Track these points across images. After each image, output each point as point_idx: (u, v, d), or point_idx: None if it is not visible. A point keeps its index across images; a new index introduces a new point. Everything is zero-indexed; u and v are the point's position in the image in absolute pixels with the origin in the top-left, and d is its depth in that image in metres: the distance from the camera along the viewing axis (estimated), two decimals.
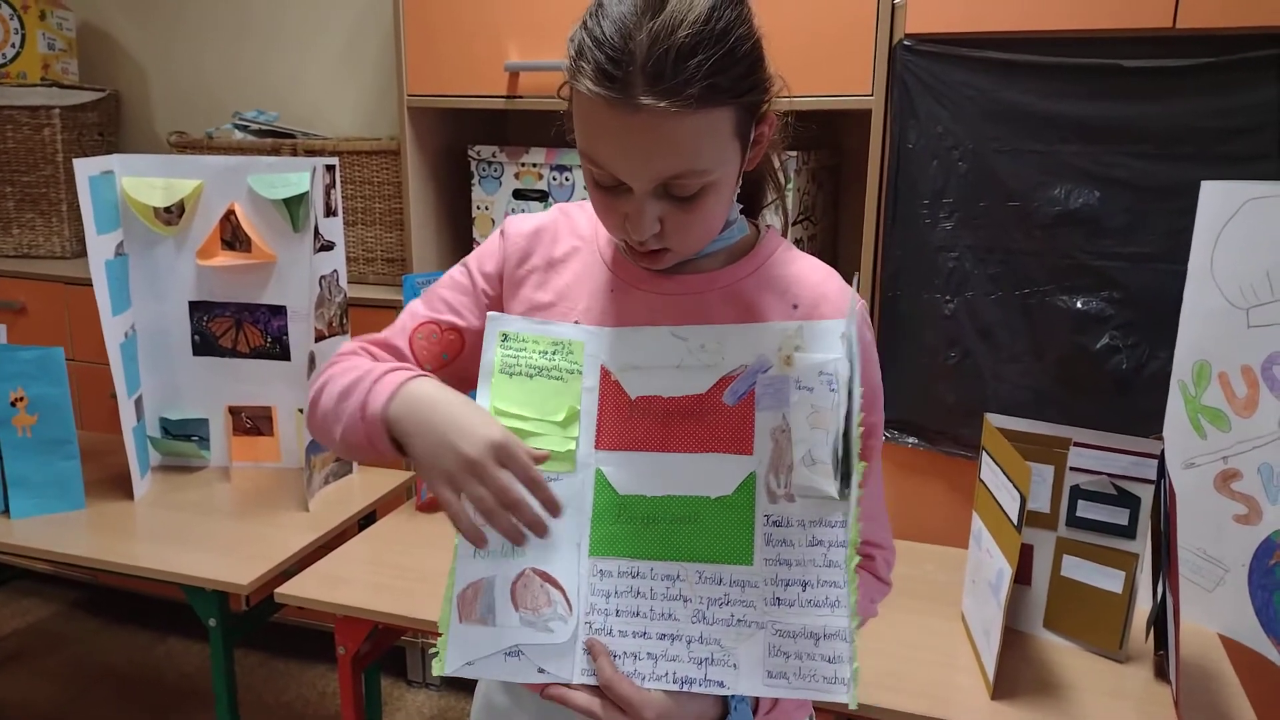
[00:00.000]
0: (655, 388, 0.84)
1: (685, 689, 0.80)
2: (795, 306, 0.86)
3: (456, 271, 0.98)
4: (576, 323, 0.89)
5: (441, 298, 0.96)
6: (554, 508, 0.80)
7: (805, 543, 0.80)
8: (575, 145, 0.81)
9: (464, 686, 2.28)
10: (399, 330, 0.95)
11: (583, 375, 0.86)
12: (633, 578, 0.82)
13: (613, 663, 0.81)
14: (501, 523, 0.78)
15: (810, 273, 0.89)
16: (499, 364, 0.87)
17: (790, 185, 0.96)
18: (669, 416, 0.84)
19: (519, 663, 0.82)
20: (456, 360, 0.95)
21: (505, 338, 0.88)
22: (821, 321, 0.82)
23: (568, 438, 0.85)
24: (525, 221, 0.95)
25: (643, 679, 0.80)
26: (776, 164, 0.93)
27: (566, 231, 0.94)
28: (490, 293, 0.95)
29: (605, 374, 0.86)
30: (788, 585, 0.79)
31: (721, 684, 0.79)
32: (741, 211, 0.91)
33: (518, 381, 0.86)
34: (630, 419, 0.84)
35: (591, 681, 0.81)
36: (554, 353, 0.87)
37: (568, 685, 0.81)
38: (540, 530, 0.80)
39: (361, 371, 0.87)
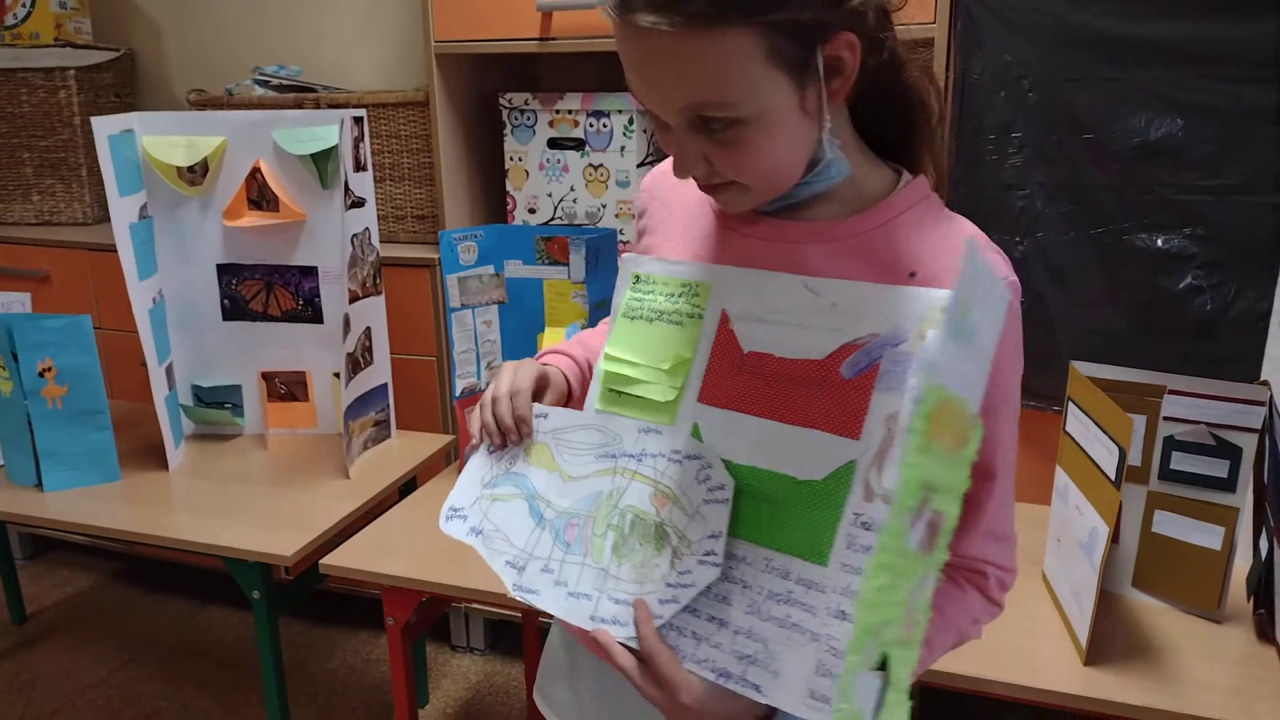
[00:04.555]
0: (770, 344, 0.74)
1: (722, 682, 0.72)
2: (912, 274, 0.73)
3: None
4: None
5: None
6: None
7: None
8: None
9: (510, 651, 2.24)
10: None
11: (703, 320, 0.77)
12: None
13: (657, 632, 0.74)
14: None
15: (949, 238, 0.75)
16: (624, 308, 0.82)
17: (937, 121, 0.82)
18: (778, 379, 0.74)
19: (577, 604, 0.78)
20: None
21: (637, 280, 0.82)
22: None
23: (672, 387, 0.77)
24: (656, 169, 0.89)
25: (683, 658, 0.73)
26: (925, 95, 0.79)
27: None
28: None
29: (724, 321, 0.77)
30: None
31: (758, 689, 0.71)
32: (891, 151, 0.79)
33: (638, 326, 0.81)
34: (738, 375, 0.75)
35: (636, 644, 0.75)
36: (680, 295, 0.79)
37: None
38: None
39: None
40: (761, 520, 0.73)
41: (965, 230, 0.77)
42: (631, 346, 0.81)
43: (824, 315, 0.72)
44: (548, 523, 0.83)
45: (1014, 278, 0.74)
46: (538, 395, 0.88)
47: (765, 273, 0.76)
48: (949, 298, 0.61)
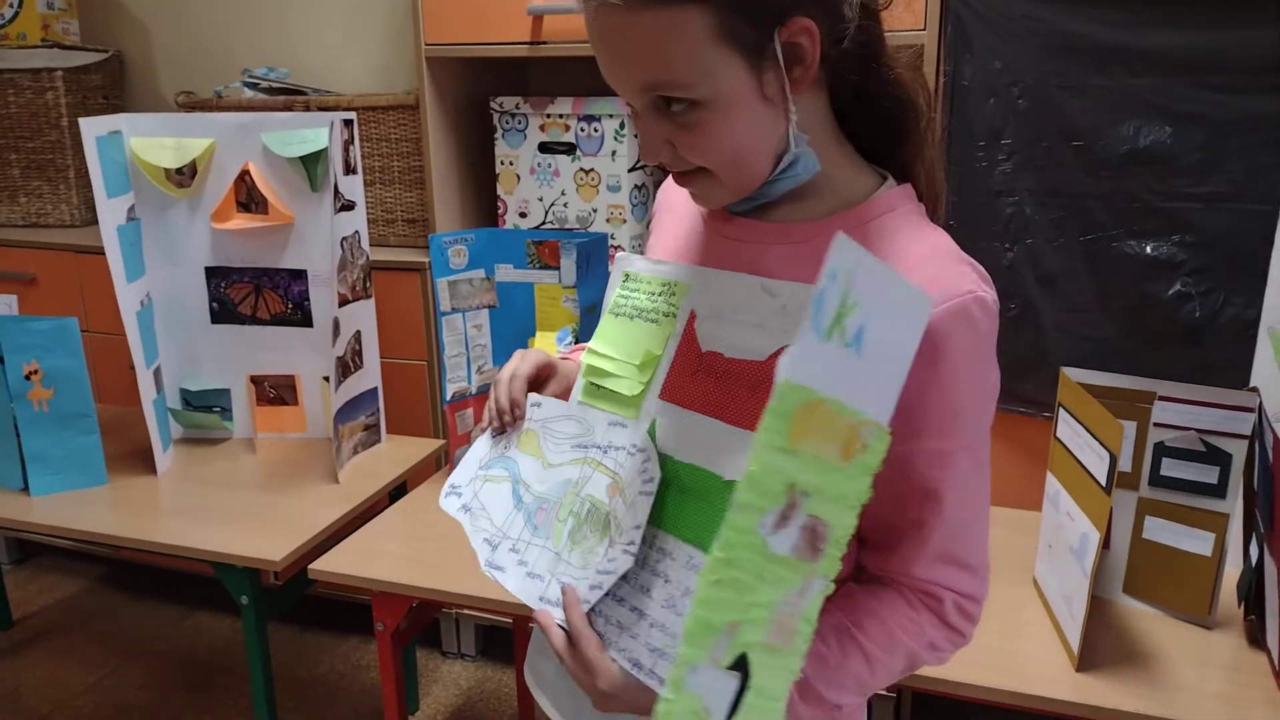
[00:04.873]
0: (724, 344, 0.76)
1: (634, 672, 0.73)
2: None
3: None
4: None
5: None
6: None
7: None
8: None
9: (501, 657, 2.23)
10: None
11: (675, 319, 0.79)
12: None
13: (583, 616, 0.76)
14: None
15: (911, 247, 0.72)
16: (612, 304, 0.85)
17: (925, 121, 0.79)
18: (726, 379, 0.75)
19: (532, 584, 0.81)
20: None
21: (627, 278, 0.84)
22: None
23: (639, 382, 0.80)
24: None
25: (608, 645, 0.75)
26: (913, 94, 0.76)
27: None
28: None
29: (691, 320, 0.79)
30: None
31: (662, 682, 0.71)
32: (883, 158, 0.78)
33: (620, 322, 0.83)
34: (695, 374, 0.77)
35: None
36: (659, 294, 0.81)
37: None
38: None
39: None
40: (690, 517, 0.74)
41: (938, 242, 0.74)
42: (612, 342, 0.83)
43: (777, 317, 0.73)
44: (524, 505, 0.86)
45: (982, 293, 0.70)
46: (541, 383, 0.91)
47: (731, 273, 0.77)
48: (811, 296, 0.59)
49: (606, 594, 0.76)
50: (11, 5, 2.38)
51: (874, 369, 0.61)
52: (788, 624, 0.63)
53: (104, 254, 1.61)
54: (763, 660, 0.62)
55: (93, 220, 2.38)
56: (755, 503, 0.59)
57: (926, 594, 0.76)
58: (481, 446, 0.92)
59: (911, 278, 0.68)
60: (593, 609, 0.77)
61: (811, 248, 0.74)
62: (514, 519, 0.86)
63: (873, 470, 0.62)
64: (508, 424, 0.89)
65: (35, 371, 1.62)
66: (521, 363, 0.90)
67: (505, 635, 2.21)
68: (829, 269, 0.58)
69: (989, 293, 0.71)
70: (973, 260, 0.73)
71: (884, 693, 1.69)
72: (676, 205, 0.88)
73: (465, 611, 2.13)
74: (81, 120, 1.57)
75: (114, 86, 2.54)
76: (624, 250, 1.86)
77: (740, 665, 0.62)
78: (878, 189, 0.76)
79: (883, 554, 0.76)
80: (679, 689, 0.59)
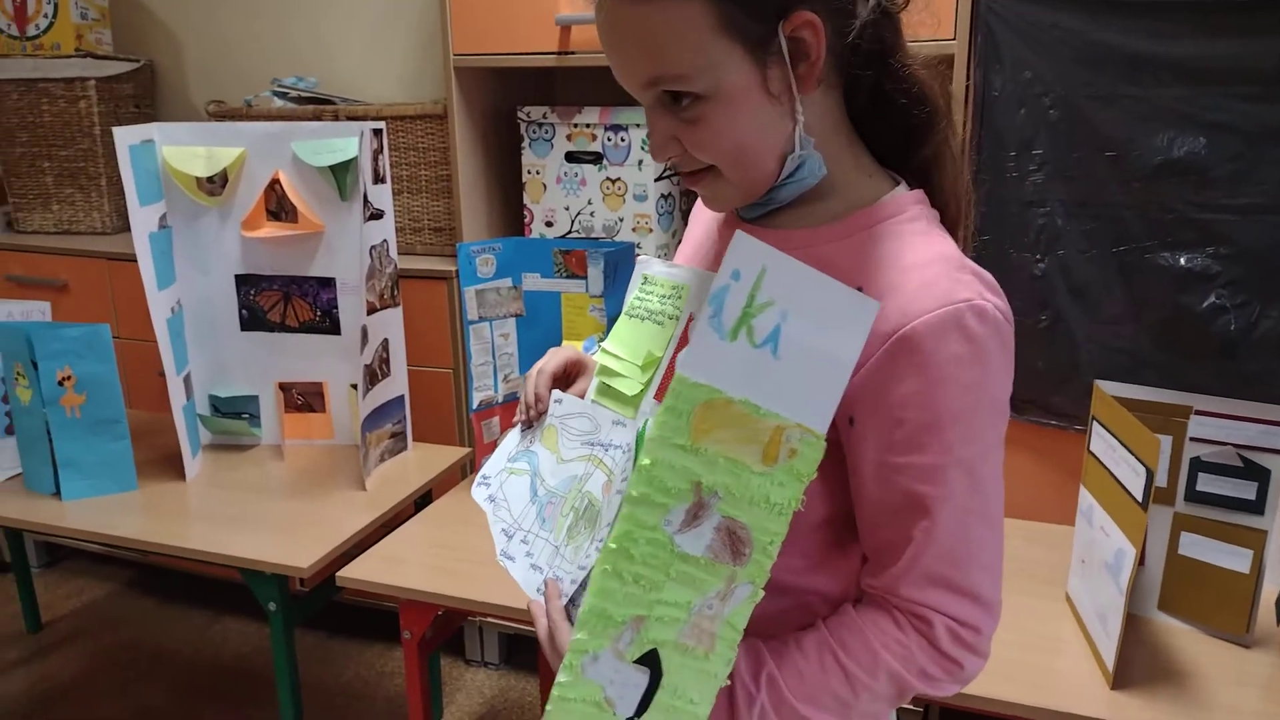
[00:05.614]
0: None
1: None
2: (859, 289, 0.68)
3: None
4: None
5: None
6: None
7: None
8: None
9: (524, 665, 2.23)
10: None
11: (678, 322, 0.81)
12: None
13: (561, 609, 0.77)
14: None
15: (906, 254, 0.70)
16: (629, 306, 0.86)
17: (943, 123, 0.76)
18: None
19: (532, 575, 0.83)
20: None
21: (645, 280, 0.86)
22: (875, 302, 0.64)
23: (640, 383, 0.81)
24: None
25: None
26: (930, 91, 0.74)
27: None
28: None
29: (688, 323, 0.79)
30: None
31: None
32: (897, 160, 0.76)
33: (632, 324, 0.84)
34: None
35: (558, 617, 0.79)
36: (668, 297, 0.82)
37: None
38: None
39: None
40: None
41: (939, 249, 0.71)
42: (623, 342, 0.84)
43: None
44: (538, 499, 0.89)
45: (980, 302, 0.66)
46: (571, 379, 0.93)
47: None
48: (711, 293, 0.58)
49: (583, 588, 0.77)
50: (46, 16, 2.42)
51: (798, 372, 0.59)
52: (707, 628, 0.62)
53: (135, 261, 1.63)
54: (676, 661, 0.61)
55: (124, 228, 2.41)
56: (653, 497, 0.58)
57: (916, 616, 0.72)
58: (512, 439, 0.95)
59: (901, 284, 0.68)
60: (572, 602, 0.78)
61: (809, 254, 0.71)
62: (528, 511, 0.89)
63: (805, 477, 0.60)
64: (533, 418, 0.92)
65: (68, 378, 1.64)
66: (550, 359, 0.93)
67: (529, 644, 2.21)
68: (729, 268, 0.57)
69: (993, 301, 0.68)
70: (978, 269, 0.71)
71: (911, 707, 1.67)
72: (703, 212, 0.88)
73: (489, 619, 2.13)
74: (115, 130, 1.59)
75: (145, 95, 2.57)
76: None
77: (650, 662, 0.61)
78: (888, 194, 0.75)
79: (875, 572, 0.74)
80: (576, 675, 0.58)
